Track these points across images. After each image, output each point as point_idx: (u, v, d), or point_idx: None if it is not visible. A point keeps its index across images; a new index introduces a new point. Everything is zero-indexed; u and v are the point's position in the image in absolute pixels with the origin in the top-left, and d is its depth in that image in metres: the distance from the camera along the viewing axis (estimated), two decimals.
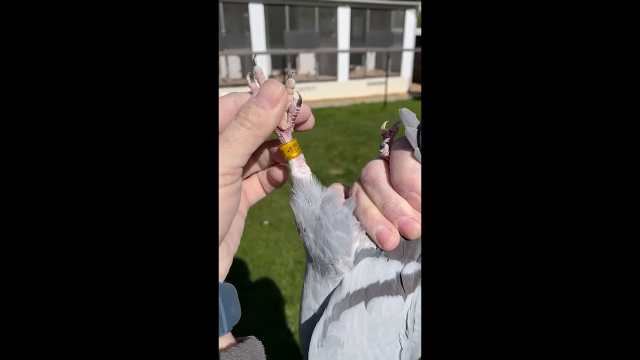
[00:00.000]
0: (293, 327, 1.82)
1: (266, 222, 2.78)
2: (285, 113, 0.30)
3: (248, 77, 0.31)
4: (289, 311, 1.91)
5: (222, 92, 0.31)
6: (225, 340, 0.29)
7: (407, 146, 0.29)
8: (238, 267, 2.26)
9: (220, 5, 7.63)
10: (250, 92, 0.30)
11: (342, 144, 4.92)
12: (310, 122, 0.33)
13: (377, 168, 0.31)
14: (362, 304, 0.28)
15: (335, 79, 9.27)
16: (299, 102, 0.30)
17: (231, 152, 0.26)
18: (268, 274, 2.22)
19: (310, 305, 0.32)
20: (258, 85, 0.30)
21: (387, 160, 0.31)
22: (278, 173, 0.34)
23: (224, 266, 0.30)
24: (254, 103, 0.27)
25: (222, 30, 7.86)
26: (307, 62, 10.13)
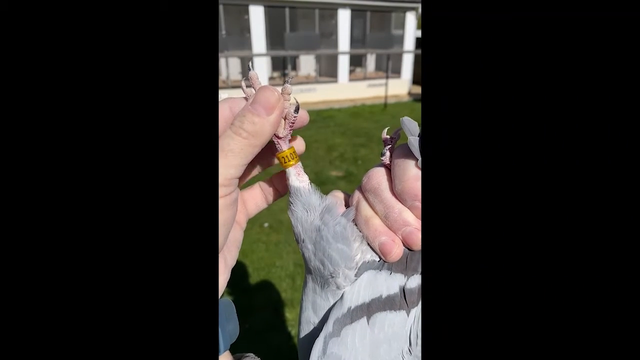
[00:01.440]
0: (293, 331, 1.81)
1: (266, 225, 2.77)
2: (282, 120, 0.29)
3: (243, 83, 0.30)
4: (289, 314, 1.90)
5: (222, 94, 0.30)
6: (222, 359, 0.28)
7: (410, 154, 0.27)
8: (238, 270, 2.25)
9: (221, 7, 7.64)
10: (246, 98, 0.29)
11: (342, 145, 4.91)
12: (305, 119, 0.31)
13: (378, 176, 0.30)
14: (364, 319, 0.27)
15: (336, 81, 9.26)
16: (297, 109, 0.29)
17: (226, 163, 0.25)
18: (268, 277, 2.21)
19: (310, 319, 0.31)
20: (254, 91, 0.29)
21: (388, 168, 0.30)
22: (277, 185, 0.33)
23: (221, 281, 0.29)
24: (249, 111, 0.26)
25: (222, 31, 7.87)
26: (307, 63, 10.13)
